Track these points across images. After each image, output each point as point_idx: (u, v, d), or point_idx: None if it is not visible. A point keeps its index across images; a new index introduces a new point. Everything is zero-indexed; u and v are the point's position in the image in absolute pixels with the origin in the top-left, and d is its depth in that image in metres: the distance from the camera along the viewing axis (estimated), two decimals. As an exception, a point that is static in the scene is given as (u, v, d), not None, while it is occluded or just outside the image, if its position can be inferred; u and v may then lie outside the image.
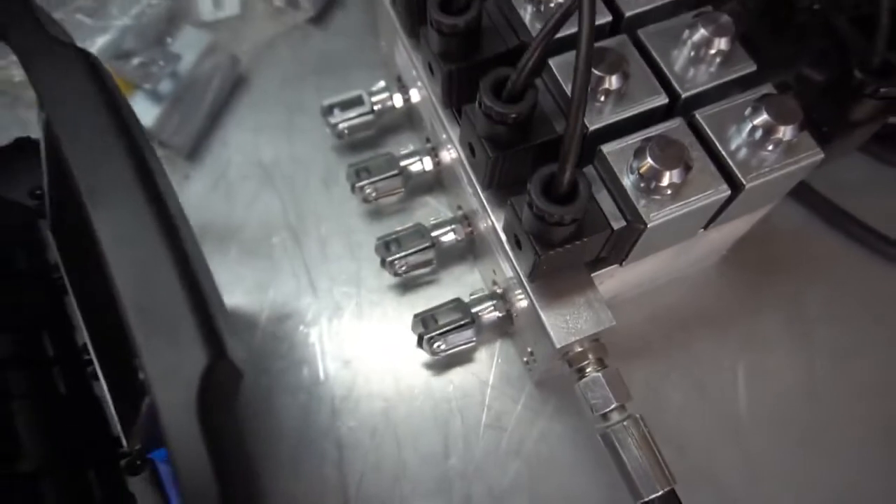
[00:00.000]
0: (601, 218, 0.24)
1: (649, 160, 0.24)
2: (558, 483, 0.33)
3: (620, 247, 0.27)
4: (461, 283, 0.37)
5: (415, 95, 0.36)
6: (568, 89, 0.25)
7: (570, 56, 0.26)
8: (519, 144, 0.25)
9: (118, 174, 0.18)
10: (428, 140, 0.36)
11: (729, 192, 0.25)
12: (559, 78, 0.26)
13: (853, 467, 0.33)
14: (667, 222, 0.24)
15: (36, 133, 0.33)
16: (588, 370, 0.28)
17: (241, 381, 0.18)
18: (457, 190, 0.33)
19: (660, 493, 0.26)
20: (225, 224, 0.38)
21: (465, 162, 0.29)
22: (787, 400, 0.34)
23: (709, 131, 0.25)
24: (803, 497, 0.33)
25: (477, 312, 0.33)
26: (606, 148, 0.25)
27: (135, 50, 0.39)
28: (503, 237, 0.28)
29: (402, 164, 0.36)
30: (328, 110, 0.37)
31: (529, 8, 0.27)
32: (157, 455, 0.26)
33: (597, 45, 0.26)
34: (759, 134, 0.24)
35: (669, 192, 0.24)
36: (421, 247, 0.34)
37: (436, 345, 0.32)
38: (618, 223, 0.25)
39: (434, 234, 0.34)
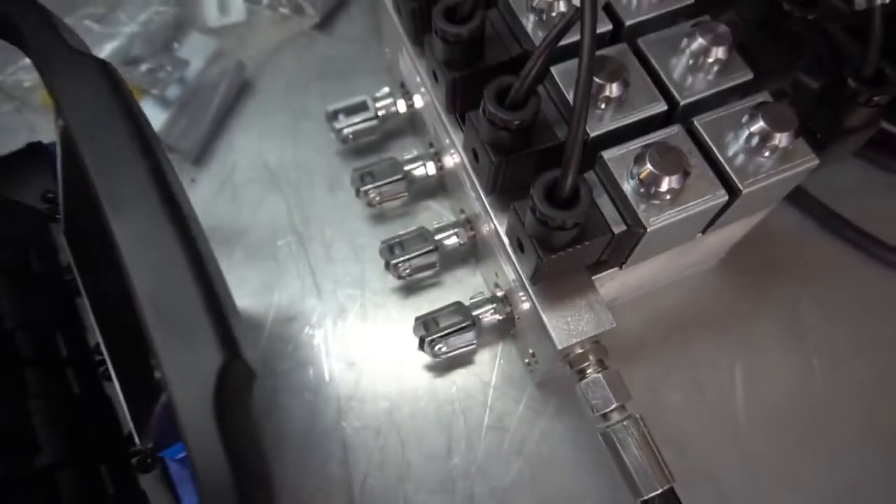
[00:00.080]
0: (602, 222, 0.25)
1: (649, 166, 0.24)
2: (559, 482, 0.33)
3: (621, 250, 0.27)
4: (464, 286, 0.37)
5: (418, 101, 0.36)
6: (570, 96, 0.26)
7: (571, 64, 0.27)
8: (521, 150, 0.26)
9: (136, 180, 0.18)
10: (431, 145, 0.36)
11: (726, 198, 0.25)
12: (561, 85, 0.26)
13: (851, 467, 0.33)
14: (666, 227, 0.25)
15: (45, 137, 0.34)
16: (589, 371, 0.28)
17: (254, 380, 0.19)
18: (459, 194, 0.34)
19: (659, 491, 0.26)
20: (231, 227, 0.38)
21: (469, 167, 0.30)
22: (785, 400, 0.35)
23: (707, 138, 0.26)
24: (802, 497, 0.33)
25: (477, 315, 0.33)
26: (607, 154, 0.25)
27: (143, 56, 0.40)
28: (506, 241, 0.28)
29: (406, 168, 0.36)
30: (333, 115, 0.38)
31: (532, 17, 0.27)
32: (167, 454, 0.27)
33: (597, 53, 0.26)
34: (755, 140, 0.25)
35: (668, 197, 0.25)
36: (424, 250, 0.34)
37: (437, 347, 0.32)
38: (618, 227, 0.25)
39: (437, 237, 0.34)
